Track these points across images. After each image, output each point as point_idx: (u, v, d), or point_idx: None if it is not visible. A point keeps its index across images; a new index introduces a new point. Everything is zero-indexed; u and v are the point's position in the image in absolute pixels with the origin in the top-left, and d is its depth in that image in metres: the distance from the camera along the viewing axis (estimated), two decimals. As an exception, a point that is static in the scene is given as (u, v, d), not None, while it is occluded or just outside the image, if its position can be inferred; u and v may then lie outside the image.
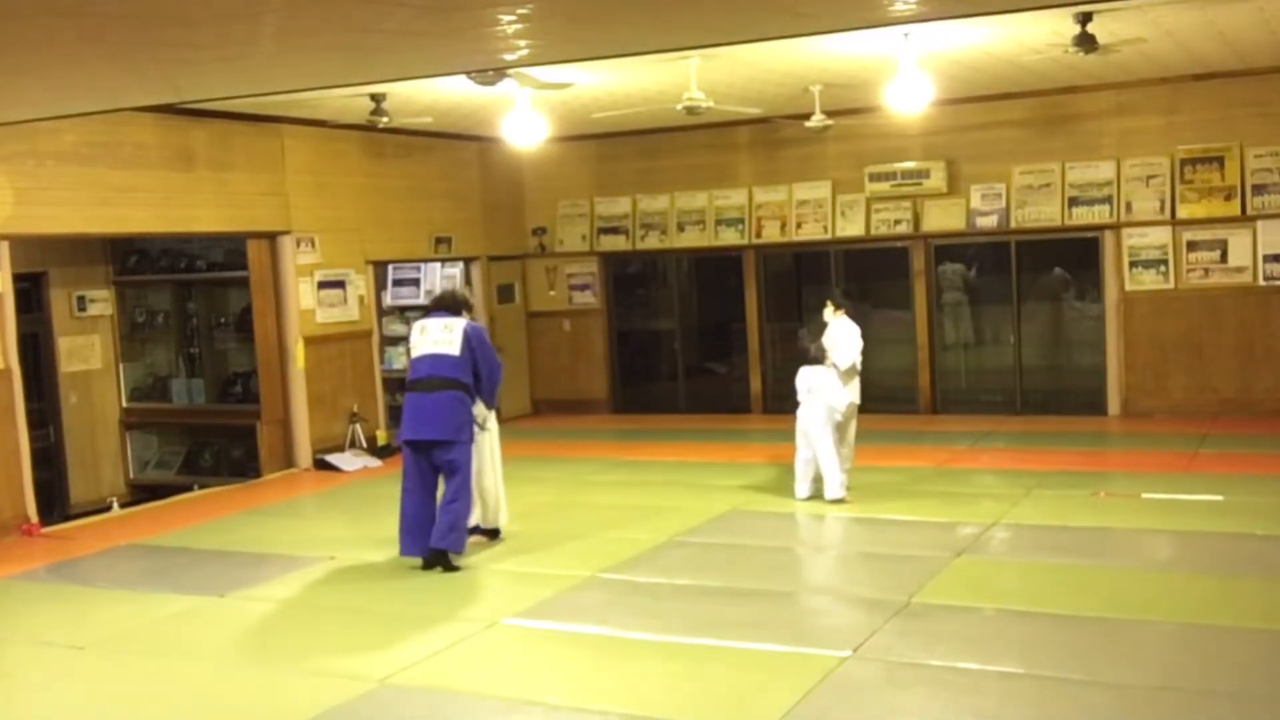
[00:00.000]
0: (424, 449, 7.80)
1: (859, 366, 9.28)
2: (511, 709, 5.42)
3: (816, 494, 9.05)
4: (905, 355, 13.40)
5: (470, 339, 7.90)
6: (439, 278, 14.71)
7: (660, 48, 7.77)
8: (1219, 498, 8.73)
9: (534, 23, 5.47)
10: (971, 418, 12.86)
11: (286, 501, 10.63)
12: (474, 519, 8.22)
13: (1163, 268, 12.19)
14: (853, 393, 9.26)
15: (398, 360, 14.07)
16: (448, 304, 8.23)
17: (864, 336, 9.39)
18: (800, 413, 9.14)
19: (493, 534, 8.32)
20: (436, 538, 7.68)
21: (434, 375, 7.83)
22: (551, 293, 14.96)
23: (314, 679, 5.90)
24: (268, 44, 5.62)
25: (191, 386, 12.99)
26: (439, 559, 7.67)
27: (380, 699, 5.60)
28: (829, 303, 9.51)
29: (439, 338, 7.90)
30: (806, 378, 9.15)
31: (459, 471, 7.78)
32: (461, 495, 7.78)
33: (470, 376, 7.88)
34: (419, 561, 7.74)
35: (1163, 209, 12.16)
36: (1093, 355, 12.94)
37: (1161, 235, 12.18)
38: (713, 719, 5.26)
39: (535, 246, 15.02)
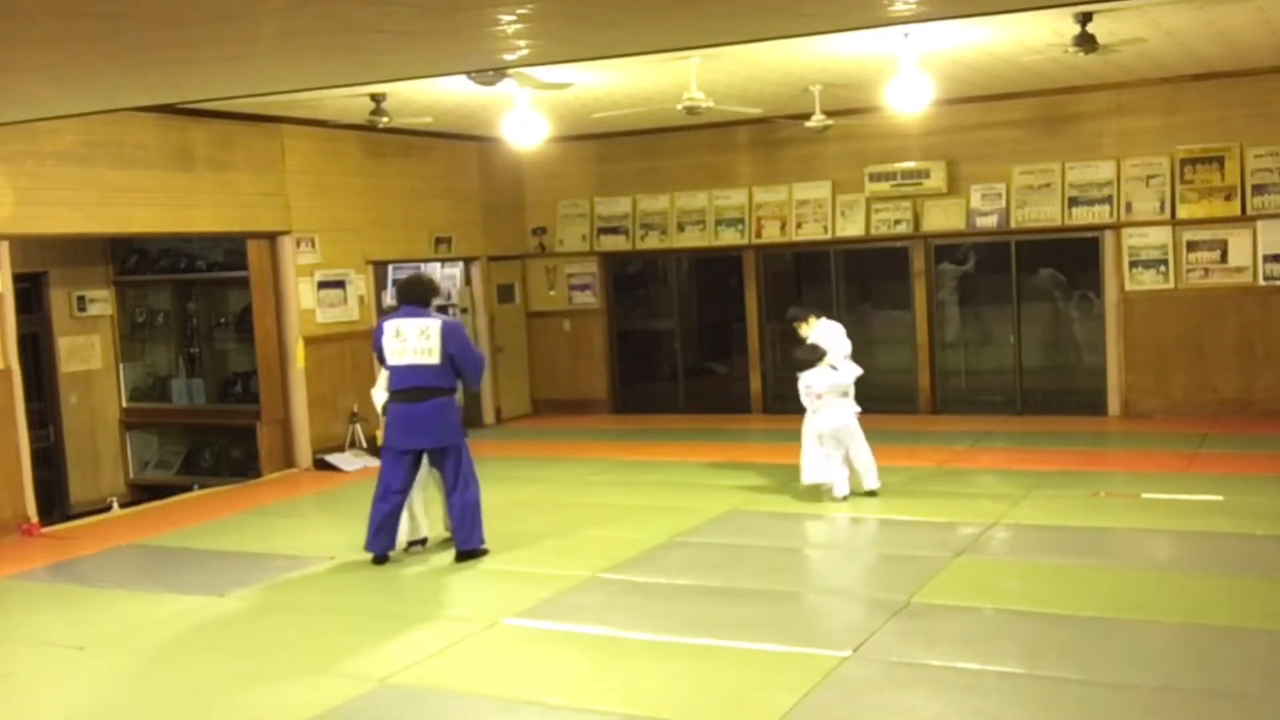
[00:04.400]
0: (412, 453, 7.90)
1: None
2: (511, 709, 5.42)
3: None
4: (905, 355, 13.40)
5: (447, 342, 7.76)
6: (439, 278, 14.72)
7: (660, 48, 7.77)
8: (1219, 498, 8.73)
9: (534, 23, 5.46)
10: (971, 418, 12.87)
11: (286, 501, 10.63)
12: (406, 533, 8.18)
13: (1163, 268, 12.19)
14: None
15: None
16: (417, 296, 8.00)
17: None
18: (833, 414, 9.00)
19: (424, 542, 8.27)
20: (462, 539, 7.86)
21: (417, 386, 7.79)
22: (551, 293, 14.97)
23: (314, 679, 5.90)
24: (267, 44, 5.62)
25: (191, 386, 12.99)
26: (470, 556, 7.84)
27: (380, 699, 5.60)
28: (801, 322, 9.35)
29: (417, 346, 7.76)
30: (825, 379, 9.05)
31: (459, 469, 7.87)
32: (468, 486, 7.86)
33: (453, 378, 7.85)
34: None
35: (1163, 209, 12.17)
36: (1093, 355, 12.95)
37: (1161, 235, 12.18)
38: (713, 719, 5.27)
39: (535, 246, 15.02)
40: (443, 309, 14.13)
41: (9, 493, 9.47)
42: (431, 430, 7.83)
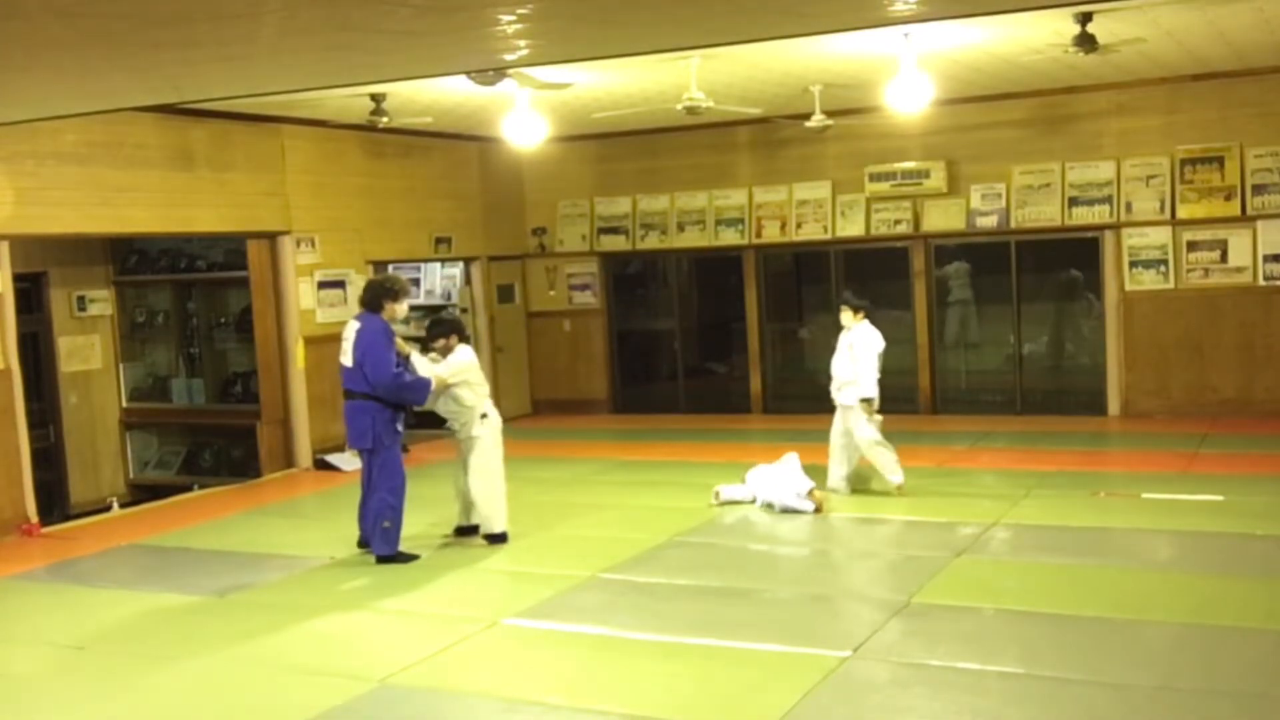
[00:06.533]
0: (359, 452, 8.20)
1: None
2: (511, 709, 5.42)
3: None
4: (905, 355, 13.39)
5: (355, 346, 7.82)
6: (439, 277, 14.73)
7: (660, 48, 7.77)
8: (1219, 498, 8.73)
9: (534, 23, 5.46)
10: (971, 418, 12.87)
11: (286, 501, 10.63)
12: (462, 519, 8.46)
13: (1163, 268, 12.19)
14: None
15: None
16: (365, 300, 8.09)
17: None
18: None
19: (499, 538, 8.25)
20: (373, 543, 8.02)
21: (345, 387, 8.01)
22: (551, 293, 14.97)
23: (314, 679, 5.90)
24: (267, 44, 5.62)
25: (191, 386, 12.99)
26: (387, 561, 7.92)
27: (380, 699, 5.60)
28: (845, 307, 9.47)
29: (344, 347, 7.95)
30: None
31: (374, 471, 7.99)
32: (376, 494, 7.95)
33: (367, 384, 7.83)
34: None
35: (1163, 209, 12.17)
36: (1093, 355, 12.95)
37: (1161, 235, 12.18)
38: (713, 719, 5.27)
39: (535, 246, 15.02)
40: (441, 309, 14.22)
41: (9, 493, 9.47)
42: (349, 430, 8.07)
